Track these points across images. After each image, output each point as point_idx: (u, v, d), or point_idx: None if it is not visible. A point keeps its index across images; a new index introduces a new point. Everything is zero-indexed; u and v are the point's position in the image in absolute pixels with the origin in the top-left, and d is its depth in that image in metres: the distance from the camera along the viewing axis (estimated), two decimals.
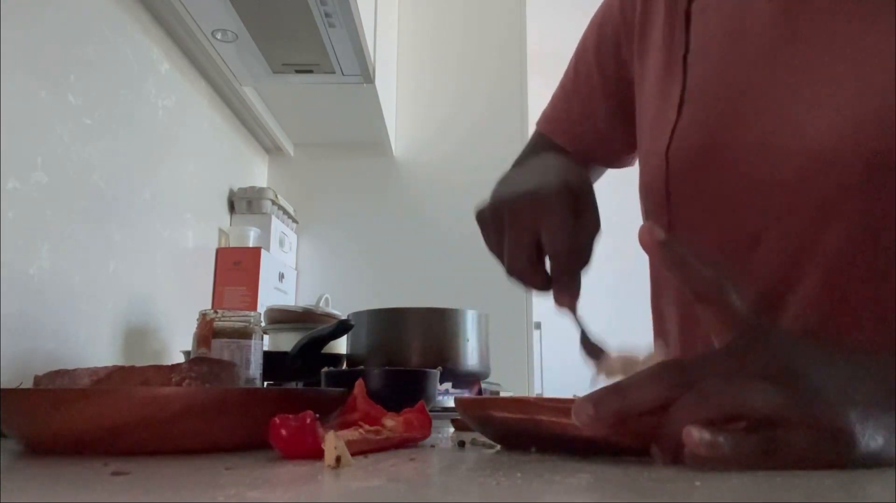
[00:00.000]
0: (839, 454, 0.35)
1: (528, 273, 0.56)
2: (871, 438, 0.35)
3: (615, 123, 0.76)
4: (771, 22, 0.57)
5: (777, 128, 0.55)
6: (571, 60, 0.81)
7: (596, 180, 0.83)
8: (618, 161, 0.81)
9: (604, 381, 0.50)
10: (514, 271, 0.56)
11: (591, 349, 0.53)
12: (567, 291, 0.55)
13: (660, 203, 0.65)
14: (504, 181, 0.64)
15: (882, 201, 0.50)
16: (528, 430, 0.43)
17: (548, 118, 0.82)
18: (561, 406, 0.41)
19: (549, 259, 0.55)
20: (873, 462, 0.35)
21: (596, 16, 0.79)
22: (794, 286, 0.54)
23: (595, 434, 0.38)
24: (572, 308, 0.55)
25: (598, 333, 0.54)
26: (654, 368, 0.39)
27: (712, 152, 0.60)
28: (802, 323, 0.54)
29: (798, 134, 0.54)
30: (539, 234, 0.54)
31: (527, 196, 0.56)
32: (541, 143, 0.83)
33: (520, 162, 0.78)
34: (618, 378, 0.44)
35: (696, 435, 0.34)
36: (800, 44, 0.55)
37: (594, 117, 0.78)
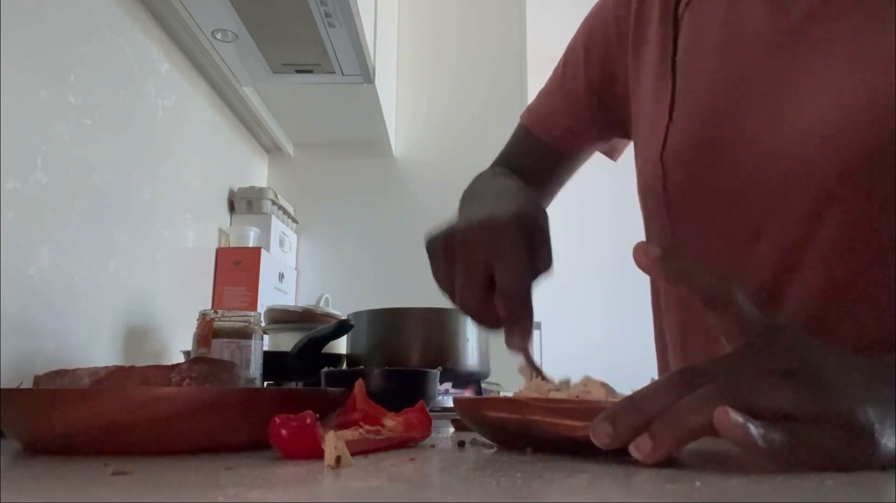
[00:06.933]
0: (861, 451, 0.34)
1: (480, 311, 0.53)
2: (889, 437, 0.34)
3: (598, 121, 0.77)
4: (766, 20, 0.57)
5: (772, 123, 0.55)
6: (562, 57, 0.81)
7: (578, 167, 0.83)
8: (597, 154, 0.82)
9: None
10: (465, 308, 0.53)
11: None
12: (518, 333, 0.52)
13: (659, 206, 0.65)
14: (463, 207, 0.62)
15: (877, 191, 0.50)
16: (521, 430, 0.43)
17: (531, 111, 0.83)
18: (553, 406, 0.41)
19: (501, 299, 0.52)
20: (892, 462, 0.34)
21: (589, 14, 0.79)
22: (792, 279, 0.54)
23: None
24: (524, 350, 0.52)
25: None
26: (668, 376, 0.37)
27: (707, 152, 0.60)
28: (802, 315, 0.54)
29: (793, 127, 0.54)
30: (491, 269, 0.51)
31: (480, 227, 0.52)
32: (520, 139, 0.84)
33: (485, 177, 0.76)
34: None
35: (731, 416, 0.32)
36: (795, 41, 0.55)
37: (577, 115, 0.78)
